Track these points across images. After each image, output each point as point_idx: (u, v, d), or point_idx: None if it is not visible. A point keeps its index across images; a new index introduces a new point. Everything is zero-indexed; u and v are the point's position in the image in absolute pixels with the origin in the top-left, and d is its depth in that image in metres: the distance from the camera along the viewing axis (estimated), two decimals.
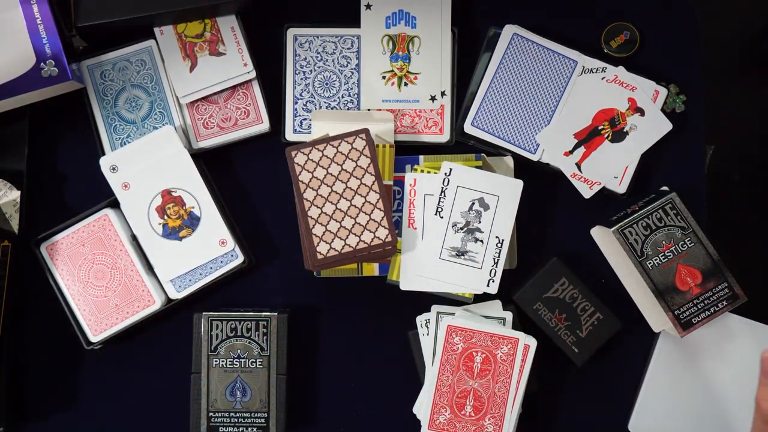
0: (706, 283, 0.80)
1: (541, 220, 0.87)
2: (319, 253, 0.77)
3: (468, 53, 0.87)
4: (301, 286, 0.86)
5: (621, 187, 0.84)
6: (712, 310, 0.80)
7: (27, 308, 0.85)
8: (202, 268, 0.82)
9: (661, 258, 0.80)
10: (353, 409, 0.85)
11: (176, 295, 0.82)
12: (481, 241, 0.80)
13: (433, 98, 0.85)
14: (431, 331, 0.81)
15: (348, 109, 0.85)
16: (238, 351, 0.81)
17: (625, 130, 0.84)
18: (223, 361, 0.81)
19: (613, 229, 0.80)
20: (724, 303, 0.81)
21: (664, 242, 0.80)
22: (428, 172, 0.82)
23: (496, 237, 0.80)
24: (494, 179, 0.81)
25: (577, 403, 0.85)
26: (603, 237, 0.85)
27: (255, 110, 0.85)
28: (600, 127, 0.84)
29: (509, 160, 0.85)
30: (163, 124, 0.84)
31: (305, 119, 0.85)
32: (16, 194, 0.84)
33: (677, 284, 0.80)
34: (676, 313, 0.80)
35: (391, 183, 0.82)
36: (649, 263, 0.80)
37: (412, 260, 0.80)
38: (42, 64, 0.77)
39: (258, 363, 0.81)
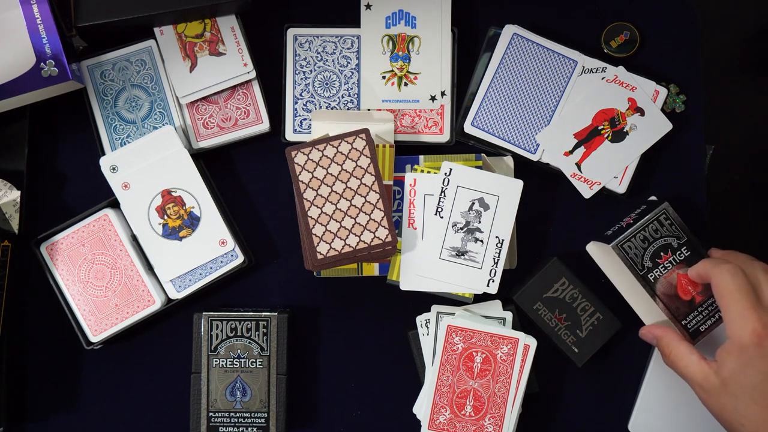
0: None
1: (541, 220, 0.87)
2: (319, 253, 0.77)
3: (468, 53, 0.87)
4: (301, 286, 0.86)
5: (621, 187, 0.84)
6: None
7: (27, 308, 0.85)
8: (202, 268, 0.82)
9: (662, 269, 0.79)
10: (353, 409, 0.85)
11: (176, 295, 0.82)
12: (481, 241, 0.80)
13: (433, 98, 0.85)
14: (431, 331, 0.81)
15: (348, 109, 0.85)
16: (238, 351, 0.81)
17: (625, 130, 0.84)
18: (223, 361, 0.81)
19: (612, 244, 0.79)
20: None
21: (662, 253, 0.80)
22: (428, 172, 0.81)
23: (496, 237, 0.80)
24: (494, 179, 0.80)
25: (577, 403, 0.85)
26: (600, 252, 0.83)
27: (255, 110, 0.85)
28: (600, 127, 0.84)
29: (509, 160, 0.85)
30: (163, 124, 0.84)
31: (305, 119, 0.85)
32: (16, 194, 0.83)
33: (680, 294, 0.80)
34: (683, 323, 0.79)
35: (391, 183, 0.82)
36: (651, 276, 0.79)
37: (412, 260, 0.80)
38: (42, 64, 0.77)
39: (258, 363, 0.81)
